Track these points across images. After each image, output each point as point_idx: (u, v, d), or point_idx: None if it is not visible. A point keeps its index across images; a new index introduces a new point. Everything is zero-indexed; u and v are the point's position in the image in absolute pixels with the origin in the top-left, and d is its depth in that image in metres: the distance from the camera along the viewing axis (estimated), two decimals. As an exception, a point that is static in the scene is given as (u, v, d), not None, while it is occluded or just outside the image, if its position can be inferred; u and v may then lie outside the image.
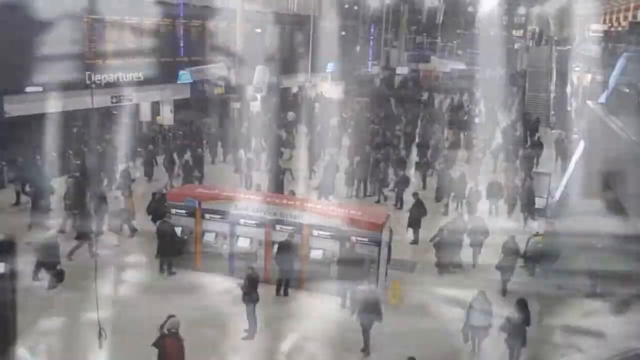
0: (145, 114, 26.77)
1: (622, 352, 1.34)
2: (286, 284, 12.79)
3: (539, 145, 26.29)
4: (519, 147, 25.81)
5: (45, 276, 12.56)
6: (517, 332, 10.46)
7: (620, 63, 21.27)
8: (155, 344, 8.69)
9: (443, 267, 14.50)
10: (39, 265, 12.53)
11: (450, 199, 19.11)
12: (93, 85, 21.73)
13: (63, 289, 12.38)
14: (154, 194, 15.64)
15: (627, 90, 14.74)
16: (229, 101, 28.92)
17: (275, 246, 12.87)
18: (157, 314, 11.52)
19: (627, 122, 12.67)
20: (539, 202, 19.32)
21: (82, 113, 22.38)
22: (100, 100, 22.81)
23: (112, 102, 23.96)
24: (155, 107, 27.19)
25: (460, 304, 11.72)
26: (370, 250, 12.46)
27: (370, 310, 10.76)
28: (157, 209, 14.97)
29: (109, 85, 23.42)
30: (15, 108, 19.74)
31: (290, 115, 30.84)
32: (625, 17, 35.36)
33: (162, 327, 8.78)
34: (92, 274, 9.22)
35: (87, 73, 22.27)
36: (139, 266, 13.98)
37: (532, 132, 29.49)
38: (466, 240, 14.99)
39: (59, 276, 12.37)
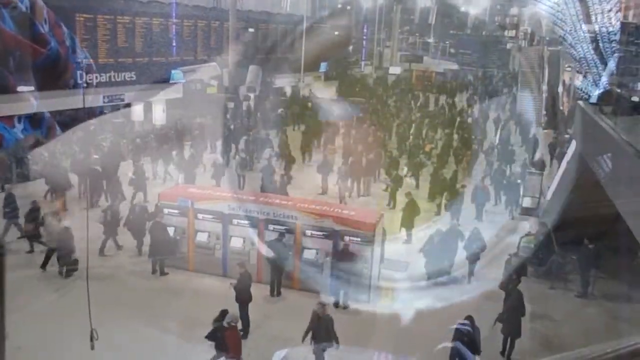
0: (138, 114, 26.65)
1: (616, 348, 1.33)
2: (278, 284, 12.77)
3: (534, 144, 26.62)
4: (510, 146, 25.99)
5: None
6: (513, 322, 10.73)
7: (611, 63, 21.35)
8: (209, 337, 9.41)
9: (432, 278, 13.63)
10: (50, 253, 13.11)
11: (442, 199, 19.09)
12: (85, 85, 21.61)
13: (75, 279, 12.57)
14: (132, 207, 14.78)
15: (619, 90, 14.83)
16: (222, 100, 28.85)
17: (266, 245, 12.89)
18: (150, 315, 11.57)
19: (619, 121, 12.74)
20: (531, 202, 19.46)
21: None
22: (92, 100, 22.69)
23: (104, 102, 23.84)
24: (148, 107, 27.08)
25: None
26: (363, 250, 12.46)
27: (322, 334, 9.86)
28: (135, 223, 14.23)
29: (101, 84, 23.30)
30: (6, 107, 19.60)
31: (281, 112, 30.83)
32: (617, 18, 35.50)
33: (216, 320, 9.51)
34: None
35: (79, 72, 22.14)
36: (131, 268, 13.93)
37: (526, 132, 29.61)
38: (462, 251, 14.21)
39: (73, 266, 12.66)
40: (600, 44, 21.96)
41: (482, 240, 14.15)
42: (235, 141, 24.37)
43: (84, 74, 22.21)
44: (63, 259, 12.91)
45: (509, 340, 10.94)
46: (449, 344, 9.43)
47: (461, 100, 43.25)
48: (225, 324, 9.47)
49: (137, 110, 26.50)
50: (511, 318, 10.79)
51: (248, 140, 23.85)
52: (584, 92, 23.21)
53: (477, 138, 27.59)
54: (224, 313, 9.65)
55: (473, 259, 14.02)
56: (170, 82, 26.72)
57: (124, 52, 24.33)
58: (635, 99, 16.55)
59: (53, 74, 20.69)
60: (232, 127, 26.09)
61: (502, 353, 10.99)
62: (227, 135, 24.81)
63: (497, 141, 27.76)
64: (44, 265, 13.22)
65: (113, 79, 23.86)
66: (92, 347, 8.04)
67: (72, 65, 21.57)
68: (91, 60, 22.69)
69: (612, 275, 14.20)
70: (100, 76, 23.26)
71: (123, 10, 24.19)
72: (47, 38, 20.18)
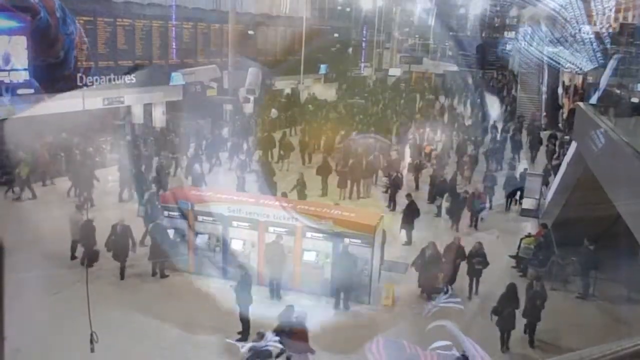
0: (138, 116, 26.68)
1: (615, 350, 1.32)
2: (278, 286, 12.76)
3: (538, 143, 26.83)
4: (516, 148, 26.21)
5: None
6: (507, 315, 10.93)
7: (610, 64, 21.40)
8: (275, 331, 9.53)
9: (426, 294, 13.01)
10: (75, 245, 13.49)
11: (443, 201, 19.01)
12: (85, 87, 21.62)
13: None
14: (114, 226, 13.41)
15: (618, 91, 14.84)
16: (222, 103, 28.85)
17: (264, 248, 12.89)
18: (150, 317, 11.57)
19: (618, 122, 12.76)
20: (531, 203, 19.48)
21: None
22: (92, 102, 22.70)
23: (104, 104, 23.85)
24: (148, 109, 27.11)
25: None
26: (363, 252, 12.45)
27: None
28: (118, 243, 13.25)
29: (100, 87, 23.30)
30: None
31: (273, 112, 30.76)
32: (616, 19, 35.65)
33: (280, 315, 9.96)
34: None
35: (79, 75, 22.15)
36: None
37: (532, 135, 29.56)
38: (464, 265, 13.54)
39: (93, 256, 12.80)
40: (600, 46, 22.06)
41: (484, 255, 13.41)
42: (217, 147, 23.78)
43: (84, 77, 22.24)
44: (85, 250, 13.24)
45: (504, 331, 11.08)
46: (443, 322, 9.16)
47: (460, 101, 43.25)
48: (294, 319, 9.74)
49: (137, 112, 26.53)
50: (506, 311, 10.96)
51: (236, 144, 23.73)
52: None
53: (478, 139, 27.58)
54: (289, 309, 10.02)
55: (474, 274, 13.39)
56: (170, 84, 26.73)
57: (123, 55, 24.35)
58: (634, 100, 16.59)
59: (43, 45, 20.57)
60: (220, 131, 25.65)
61: (501, 350, 11.03)
62: (210, 141, 24.16)
63: (497, 140, 27.72)
64: (72, 257, 13.78)
65: (113, 81, 23.87)
66: (92, 350, 8.04)
67: (62, 37, 21.41)
68: (88, 66, 22.67)
69: (612, 277, 14.19)
70: (100, 78, 23.27)
71: (123, 13, 24.20)
72: (36, 8, 20.05)
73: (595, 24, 30.21)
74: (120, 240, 13.28)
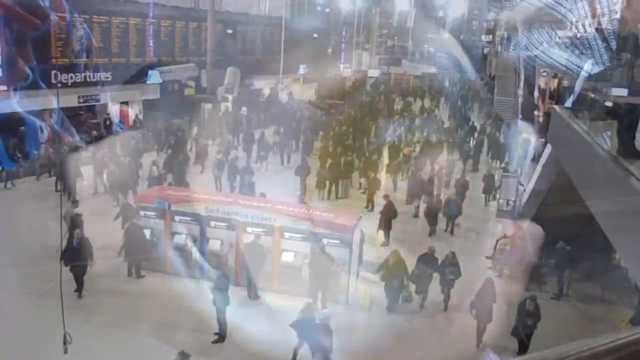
0: (113, 114, 26.31)
1: (613, 338, 1.32)
2: (255, 287, 12.68)
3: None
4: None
5: None
6: (485, 309, 11.10)
7: (585, 68, 21.77)
8: (293, 326, 9.84)
9: (391, 304, 12.71)
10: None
11: (420, 202, 19.12)
12: (59, 85, 21.24)
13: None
14: (70, 237, 12.28)
15: (592, 95, 15.10)
16: (200, 102, 28.64)
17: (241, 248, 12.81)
18: (126, 317, 11.40)
19: (592, 125, 12.98)
20: (507, 205, 19.71)
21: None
22: (67, 100, 22.31)
23: (79, 102, 23.46)
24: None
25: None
26: (341, 252, 12.45)
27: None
28: (76, 255, 11.96)
29: (76, 84, 22.93)
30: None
31: (244, 110, 30.59)
32: (591, 24, 36.32)
33: (302, 311, 9.98)
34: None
35: (53, 72, 21.77)
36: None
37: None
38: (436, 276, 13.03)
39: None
40: (575, 51, 22.46)
41: (456, 265, 12.85)
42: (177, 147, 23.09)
43: (58, 74, 21.89)
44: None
45: (482, 324, 11.24)
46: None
47: (438, 103, 43.64)
48: (317, 321, 9.70)
49: (113, 110, 26.18)
50: (483, 304, 11.11)
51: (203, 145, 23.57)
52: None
53: (455, 141, 27.85)
54: (309, 306, 10.17)
55: (446, 284, 12.88)
56: (147, 82, 26.43)
57: (100, 52, 23.99)
58: (608, 103, 16.88)
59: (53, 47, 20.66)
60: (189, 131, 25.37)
61: (477, 346, 11.14)
62: (174, 141, 23.75)
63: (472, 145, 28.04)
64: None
65: (89, 79, 23.50)
66: (66, 351, 7.90)
67: (72, 40, 21.54)
68: (63, 63, 22.31)
69: (586, 277, 14.43)
70: (76, 76, 22.89)
71: (99, 10, 23.86)
72: (46, 11, 20.06)
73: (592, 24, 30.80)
74: (78, 253, 12.09)
